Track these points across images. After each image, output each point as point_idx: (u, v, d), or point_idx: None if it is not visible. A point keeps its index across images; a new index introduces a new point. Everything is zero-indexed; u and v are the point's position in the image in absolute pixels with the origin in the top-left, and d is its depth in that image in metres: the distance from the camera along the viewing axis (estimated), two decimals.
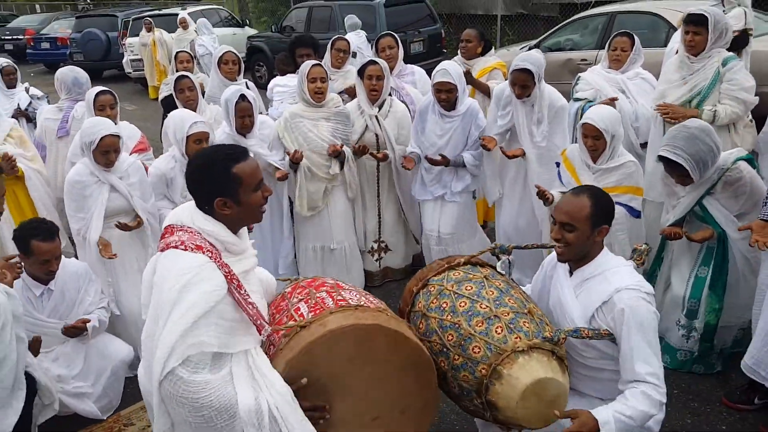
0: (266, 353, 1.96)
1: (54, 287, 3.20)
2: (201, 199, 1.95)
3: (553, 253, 2.44)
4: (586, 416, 1.99)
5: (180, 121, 3.59)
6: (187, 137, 3.54)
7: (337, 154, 4.05)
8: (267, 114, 4.73)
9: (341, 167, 4.14)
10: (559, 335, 2.10)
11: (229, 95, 3.76)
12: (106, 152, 3.37)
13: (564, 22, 8.86)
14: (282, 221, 4.31)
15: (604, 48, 7.70)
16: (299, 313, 2.07)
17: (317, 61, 4.15)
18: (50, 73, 17.33)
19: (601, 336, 2.17)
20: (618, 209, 3.07)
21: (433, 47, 11.38)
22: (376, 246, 4.57)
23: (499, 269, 2.48)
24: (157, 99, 12.07)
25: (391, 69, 4.71)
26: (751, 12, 6.47)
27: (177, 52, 5.51)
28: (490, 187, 4.28)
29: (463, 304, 2.20)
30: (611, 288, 2.18)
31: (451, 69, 3.87)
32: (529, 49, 8.65)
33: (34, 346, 2.84)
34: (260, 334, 1.91)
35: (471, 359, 2.08)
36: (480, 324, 2.11)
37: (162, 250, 1.93)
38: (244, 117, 3.78)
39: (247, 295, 1.90)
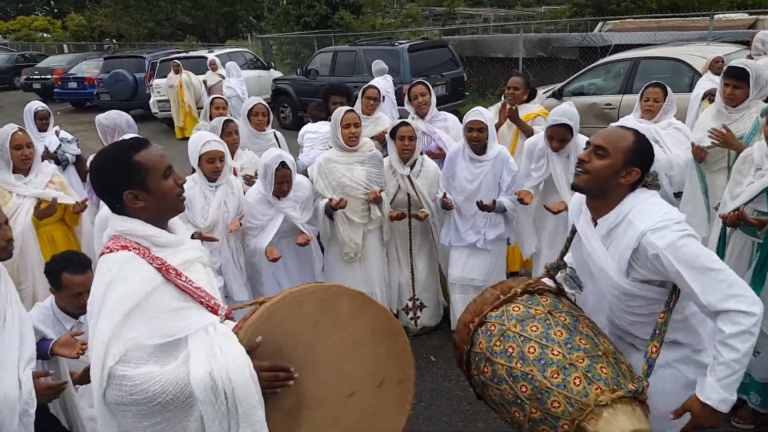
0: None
1: (84, 320, 3.07)
2: (110, 198, 1.85)
3: (577, 199, 2.33)
4: (698, 407, 1.89)
5: (195, 141, 3.66)
6: (200, 156, 3.58)
7: (378, 201, 4.06)
8: (297, 160, 4.78)
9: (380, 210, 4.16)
10: (642, 384, 1.97)
11: (270, 161, 3.71)
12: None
13: (587, 68, 8.93)
14: (312, 269, 4.28)
15: (628, 93, 8.03)
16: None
17: (350, 108, 4.19)
18: (77, 112, 17.76)
19: None
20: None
21: (456, 90, 11.52)
22: (410, 304, 4.52)
23: (567, 289, 2.34)
24: (182, 139, 12.46)
25: (424, 115, 4.77)
26: None
27: (213, 98, 5.58)
28: (527, 241, 4.25)
29: (532, 350, 2.07)
30: (637, 232, 2.00)
31: (483, 111, 3.97)
32: (553, 93, 8.75)
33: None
34: (217, 315, 1.85)
35: (550, 414, 1.98)
36: (555, 375, 1.99)
37: None
38: (282, 183, 3.77)
39: (191, 281, 1.83)
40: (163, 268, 1.79)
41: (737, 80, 3.73)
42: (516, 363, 2.07)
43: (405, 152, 4.14)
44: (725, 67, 3.89)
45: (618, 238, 2.08)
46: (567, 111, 3.72)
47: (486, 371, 2.17)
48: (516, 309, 2.22)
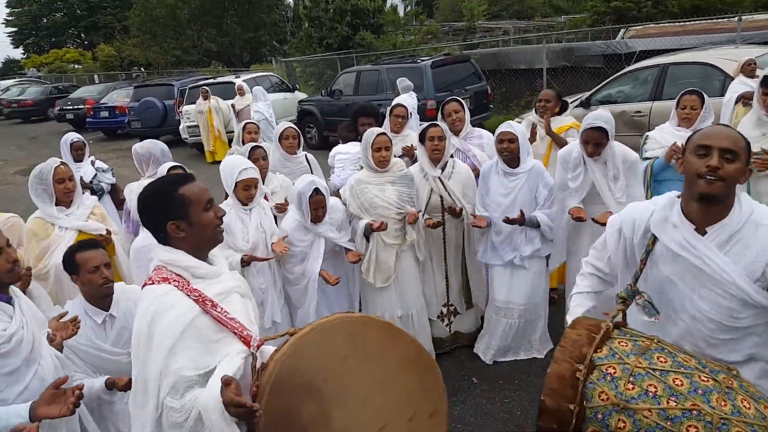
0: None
1: (116, 313, 3.02)
2: (155, 228, 1.96)
3: (616, 219, 2.27)
4: None
5: (231, 167, 3.69)
6: (237, 183, 3.64)
7: (415, 221, 4.05)
8: (329, 180, 4.81)
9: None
10: None
11: (303, 188, 3.74)
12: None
13: (614, 76, 8.87)
14: (348, 291, 4.28)
15: (658, 100, 7.93)
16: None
17: (382, 130, 4.19)
18: (108, 140, 18.18)
19: None
20: None
21: (480, 104, 11.51)
22: (445, 311, 4.50)
23: (646, 317, 2.15)
24: (212, 162, 12.67)
25: (458, 132, 4.75)
26: None
27: (246, 123, 5.66)
28: (555, 254, 4.24)
29: (678, 382, 1.76)
30: None
31: (513, 123, 3.98)
32: (580, 102, 8.69)
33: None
34: (249, 347, 1.91)
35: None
36: (723, 402, 1.69)
37: None
38: (317, 209, 3.79)
39: (226, 312, 1.91)
40: (200, 300, 1.87)
41: None
42: (668, 402, 1.72)
43: (435, 153, 4.14)
44: (762, 76, 3.81)
45: (743, 242, 1.96)
46: (602, 115, 3.72)
47: (622, 426, 1.77)
48: (623, 344, 1.91)
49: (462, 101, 4.93)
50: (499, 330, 4.30)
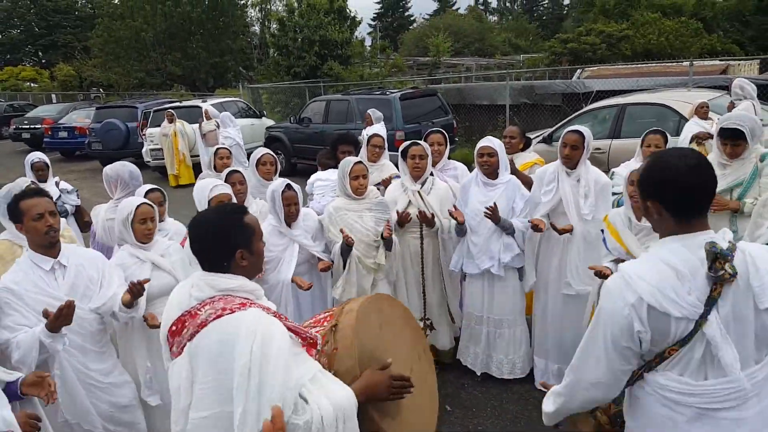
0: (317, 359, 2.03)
1: (67, 263, 2.99)
2: (220, 257, 1.95)
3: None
4: None
5: (202, 188, 3.77)
6: (210, 200, 3.69)
7: (390, 233, 4.14)
8: (308, 206, 4.87)
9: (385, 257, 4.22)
10: None
11: (275, 186, 3.93)
12: (143, 221, 3.40)
13: (574, 114, 9.25)
14: (324, 302, 4.32)
15: (617, 138, 8.32)
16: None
17: (358, 159, 4.30)
18: (66, 161, 17.80)
19: None
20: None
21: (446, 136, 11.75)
22: (421, 324, 4.56)
23: None
24: (176, 186, 12.56)
25: (435, 163, 4.89)
26: (759, 104, 6.85)
27: (217, 149, 5.69)
28: (527, 271, 4.33)
29: None
30: None
31: (492, 139, 4.21)
32: (543, 139, 9.02)
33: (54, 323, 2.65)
34: (316, 348, 2.00)
35: None
36: None
37: (193, 336, 1.83)
38: (290, 205, 3.93)
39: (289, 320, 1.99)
40: (276, 315, 1.91)
41: (734, 140, 3.83)
42: None
43: (416, 170, 4.32)
44: (718, 127, 3.96)
45: None
46: (582, 126, 3.99)
47: None
48: None
49: (445, 133, 5.06)
50: (481, 337, 4.39)
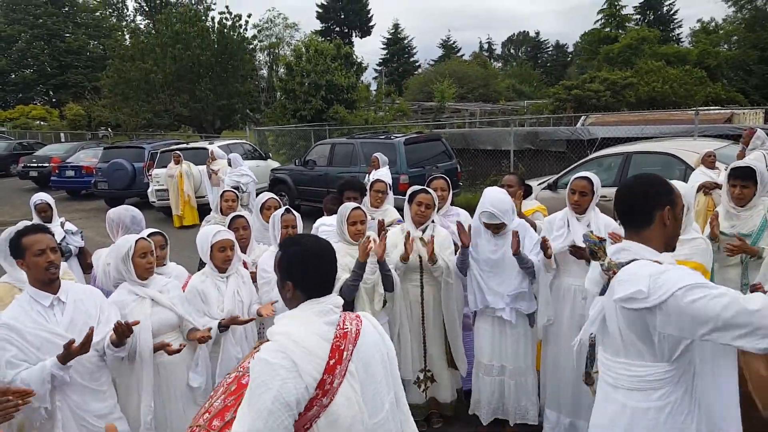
0: None
1: (66, 299, 3.01)
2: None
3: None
4: None
5: (205, 234, 3.78)
6: (212, 246, 3.69)
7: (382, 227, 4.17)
8: None
9: (383, 305, 4.11)
10: None
11: (276, 212, 4.17)
12: (143, 255, 3.42)
13: (580, 162, 9.26)
14: None
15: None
16: None
17: (356, 204, 4.28)
18: (72, 200, 17.87)
19: None
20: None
21: (450, 181, 11.73)
22: (422, 376, 4.45)
23: None
24: (180, 227, 12.56)
25: (438, 209, 4.86)
26: None
27: (223, 192, 5.69)
28: (541, 311, 4.18)
29: None
30: None
31: (496, 209, 3.95)
32: (548, 185, 9.01)
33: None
34: None
35: None
36: None
37: (351, 353, 2.00)
38: (288, 227, 4.05)
39: None
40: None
41: (744, 180, 3.90)
42: None
43: (419, 216, 4.30)
44: (729, 168, 4.05)
45: None
46: (588, 172, 4.00)
47: None
48: None
49: (448, 180, 5.06)
50: (487, 388, 4.24)
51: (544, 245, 3.90)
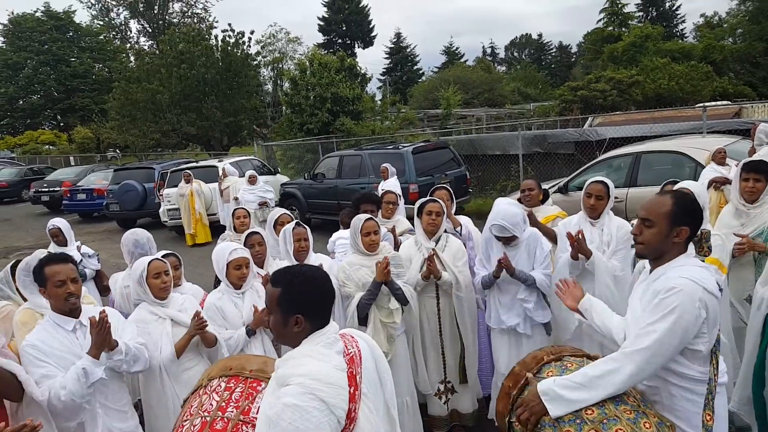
0: None
1: (86, 322, 3.10)
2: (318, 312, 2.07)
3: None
4: None
5: (220, 252, 3.83)
6: (228, 264, 3.74)
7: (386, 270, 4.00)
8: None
9: (402, 303, 4.10)
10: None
11: (287, 227, 4.21)
12: (157, 275, 3.49)
13: (589, 164, 9.22)
14: None
15: (633, 186, 8.24)
16: None
17: (369, 216, 4.29)
18: (83, 223, 18.00)
19: None
20: (612, 269, 3.28)
21: (460, 188, 11.79)
22: (442, 388, 4.43)
23: None
24: (193, 245, 12.63)
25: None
26: None
27: (235, 209, 5.74)
28: (566, 319, 4.11)
29: (590, 411, 2.24)
30: (664, 280, 2.24)
31: (507, 221, 3.90)
32: (558, 188, 8.97)
33: None
34: None
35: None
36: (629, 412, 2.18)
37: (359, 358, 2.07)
38: (300, 240, 4.13)
39: None
40: None
41: (758, 173, 3.89)
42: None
43: (431, 226, 4.30)
44: (741, 163, 4.03)
45: (653, 288, 2.30)
46: (604, 177, 4.05)
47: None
48: (550, 372, 2.42)
49: (450, 190, 5.10)
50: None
51: (571, 243, 3.90)
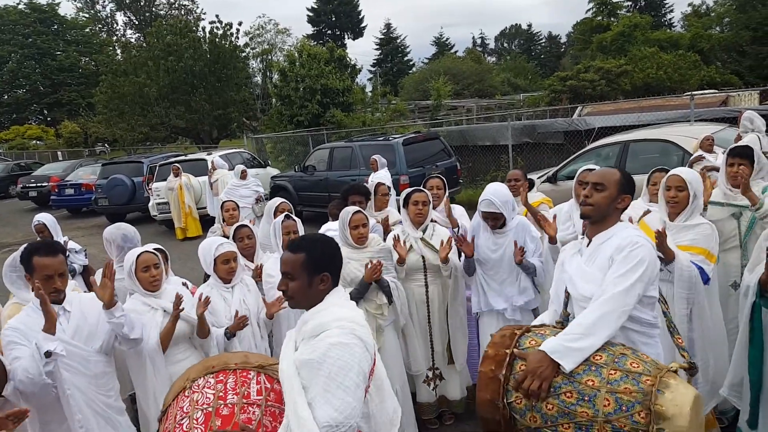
0: None
1: (71, 309, 3.12)
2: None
3: (567, 250, 2.77)
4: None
5: (207, 246, 3.81)
6: (215, 259, 3.73)
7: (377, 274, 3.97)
8: None
9: (389, 301, 4.10)
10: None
11: (276, 220, 4.23)
12: (146, 269, 3.47)
13: (578, 153, 9.26)
14: None
15: None
16: None
17: (357, 208, 4.26)
18: (72, 218, 17.88)
19: None
20: (689, 269, 3.29)
21: (450, 179, 11.69)
22: (430, 374, 4.46)
23: None
24: (183, 239, 12.57)
25: (435, 207, 4.88)
26: (765, 137, 6.82)
27: (223, 202, 5.72)
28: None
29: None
30: (619, 239, 2.50)
31: (496, 198, 3.99)
32: (547, 178, 9.01)
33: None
34: None
35: (631, 372, 2.19)
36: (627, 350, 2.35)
37: None
38: (289, 233, 4.12)
39: None
40: None
41: (742, 158, 3.93)
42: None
43: (418, 216, 4.31)
44: (728, 149, 4.07)
45: (604, 249, 2.60)
46: (594, 165, 4.09)
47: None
48: (532, 342, 2.50)
49: (443, 179, 5.12)
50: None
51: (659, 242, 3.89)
